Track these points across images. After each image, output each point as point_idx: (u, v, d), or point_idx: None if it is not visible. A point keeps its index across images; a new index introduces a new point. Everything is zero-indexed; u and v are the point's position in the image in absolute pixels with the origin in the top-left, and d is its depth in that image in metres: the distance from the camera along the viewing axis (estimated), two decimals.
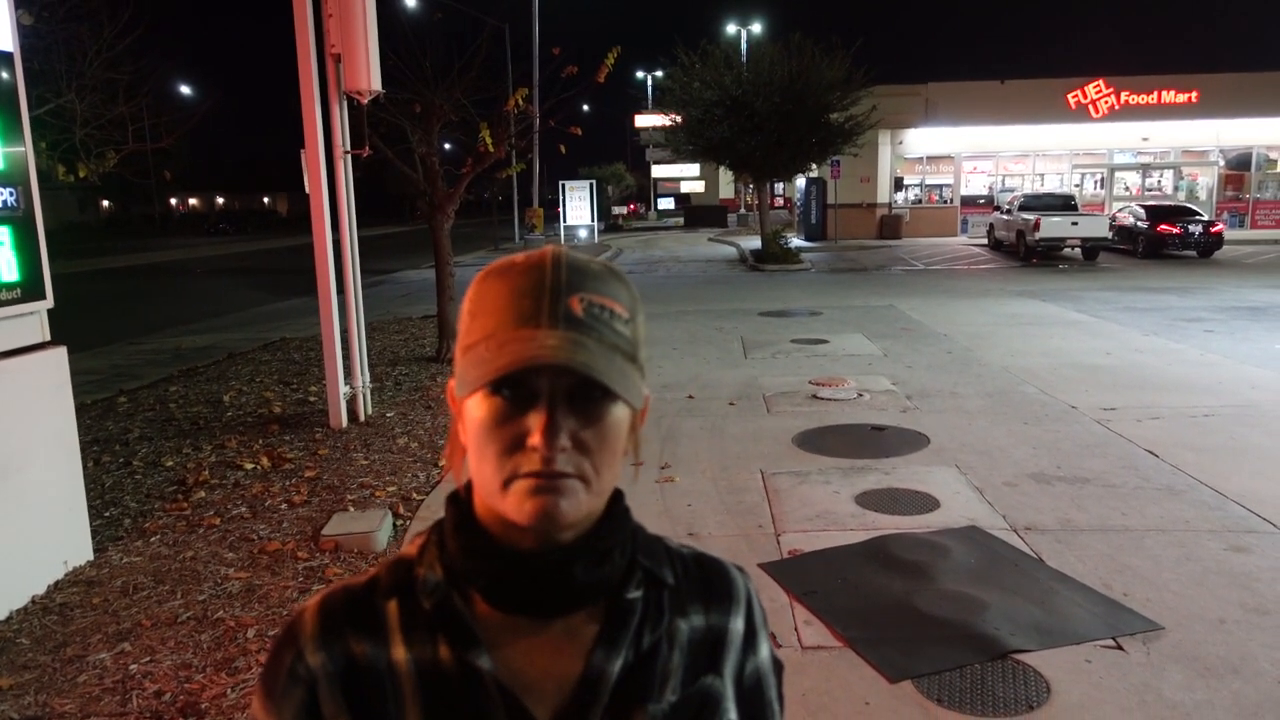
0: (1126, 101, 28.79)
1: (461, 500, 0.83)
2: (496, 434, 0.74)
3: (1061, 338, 10.61)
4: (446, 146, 11.50)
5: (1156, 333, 10.85)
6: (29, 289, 4.18)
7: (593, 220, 32.88)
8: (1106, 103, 28.89)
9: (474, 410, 0.76)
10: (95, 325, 13.52)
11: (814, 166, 25.38)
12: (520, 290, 0.76)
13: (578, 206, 32.38)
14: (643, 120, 45.87)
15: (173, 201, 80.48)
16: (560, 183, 32.61)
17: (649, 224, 50.65)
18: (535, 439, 0.72)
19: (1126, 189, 30.72)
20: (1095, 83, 28.88)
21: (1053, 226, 21.06)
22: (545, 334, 0.73)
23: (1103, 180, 30.91)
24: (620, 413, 0.77)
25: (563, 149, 11.57)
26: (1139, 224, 22.08)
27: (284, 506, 5.21)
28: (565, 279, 0.76)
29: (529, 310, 0.74)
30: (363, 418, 7.17)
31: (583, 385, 0.73)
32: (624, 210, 50.24)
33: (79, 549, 4.43)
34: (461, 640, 0.78)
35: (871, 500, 5.18)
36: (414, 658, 0.78)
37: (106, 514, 5.13)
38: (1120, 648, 3.46)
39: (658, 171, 54.84)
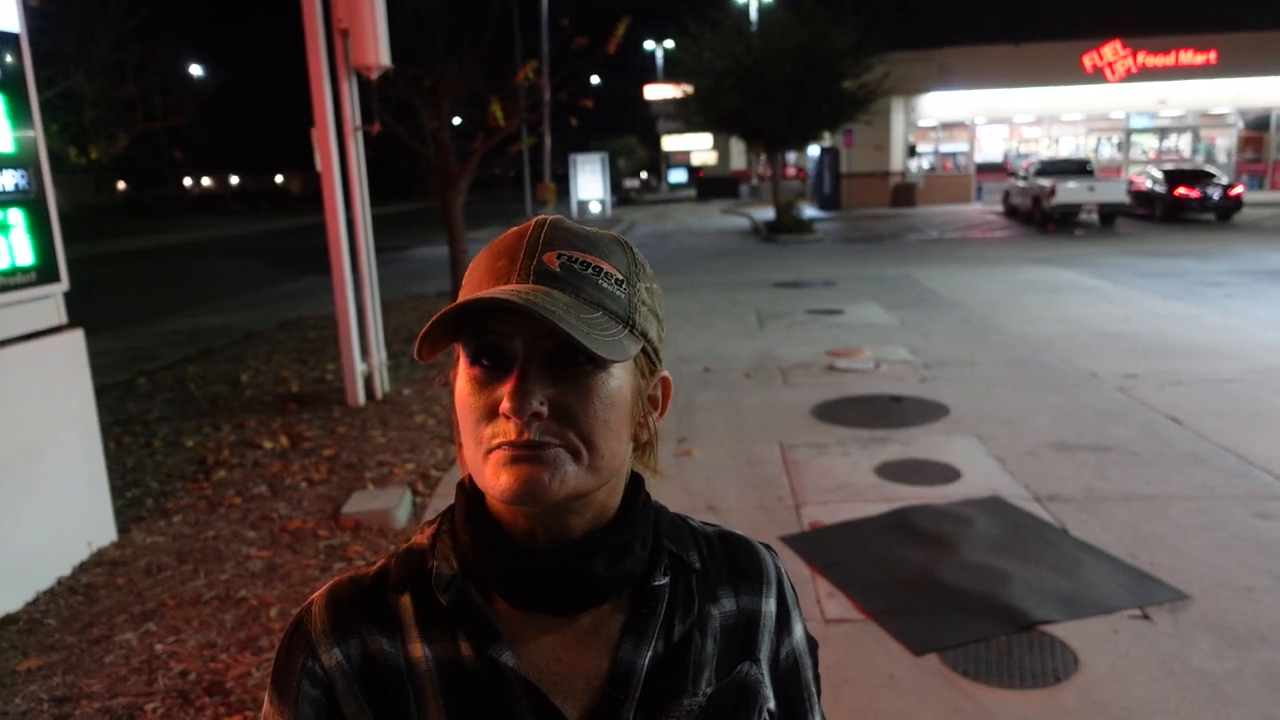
0: (1143, 63, 28.34)
1: (469, 489, 0.78)
2: (473, 403, 0.71)
3: (1079, 304, 10.50)
4: (456, 121, 11.43)
5: (1176, 298, 10.72)
6: (44, 272, 4.16)
7: (604, 194, 32.70)
8: (1123, 65, 28.43)
9: (458, 383, 0.73)
10: (113, 307, 13.57)
11: (827, 135, 25.16)
12: (498, 253, 0.73)
13: (589, 180, 32.16)
14: (653, 92, 45.38)
15: (186, 182, 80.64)
16: (571, 156, 32.40)
17: (661, 196, 50.41)
18: (505, 405, 0.68)
19: (1143, 152, 30.36)
20: (1111, 44, 28.42)
21: (1069, 192, 20.78)
22: (510, 286, 0.70)
23: (1119, 144, 30.54)
24: (617, 382, 0.72)
25: (574, 121, 11.51)
26: (1156, 188, 21.79)
27: (304, 485, 5.22)
28: (545, 238, 0.72)
29: (503, 270, 0.72)
30: (380, 395, 7.18)
31: (565, 350, 0.69)
32: (635, 184, 49.96)
33: (102, 530, 4.46)
34: (482, 637, 0.74)
35: (892, 471, 5.15)
36: (434, 655, 0.74)
37: (129, 494, 5.16)
38: (1147, 617, 3.43)
39: (669, 143, 54.32)
